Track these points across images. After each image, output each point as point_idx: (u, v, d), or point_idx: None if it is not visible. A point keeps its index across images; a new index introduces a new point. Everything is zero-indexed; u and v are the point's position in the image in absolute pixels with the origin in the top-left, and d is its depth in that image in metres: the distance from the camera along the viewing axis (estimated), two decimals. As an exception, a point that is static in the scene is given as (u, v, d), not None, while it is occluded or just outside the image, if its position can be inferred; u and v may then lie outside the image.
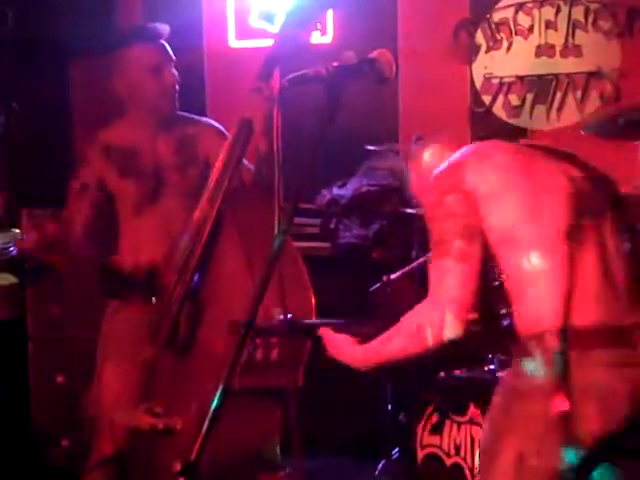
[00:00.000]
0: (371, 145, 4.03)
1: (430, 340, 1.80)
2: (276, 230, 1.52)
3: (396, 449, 3.37)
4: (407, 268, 3.36)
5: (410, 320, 1.86)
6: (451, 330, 1.79)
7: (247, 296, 1.93)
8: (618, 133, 2.84)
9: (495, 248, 1.83)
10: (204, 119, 2.79)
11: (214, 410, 1.30)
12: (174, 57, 2.68)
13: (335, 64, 1.64)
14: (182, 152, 2.65)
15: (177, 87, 2.65)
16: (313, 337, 2.04)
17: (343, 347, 1.99)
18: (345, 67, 1.64)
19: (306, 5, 2.00)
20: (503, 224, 1.82)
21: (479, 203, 1.82)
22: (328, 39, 4.41)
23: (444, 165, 1.92)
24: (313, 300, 2.13)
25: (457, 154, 1.94)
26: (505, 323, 2.02)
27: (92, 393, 2.68)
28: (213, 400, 1.32)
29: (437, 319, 1.79)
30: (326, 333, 2.02)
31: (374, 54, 1.68)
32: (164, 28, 2.65)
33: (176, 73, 2.65)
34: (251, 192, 2.35)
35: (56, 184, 2.95)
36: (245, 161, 2.41)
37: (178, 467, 1.33)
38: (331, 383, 3.59)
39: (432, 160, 2.04)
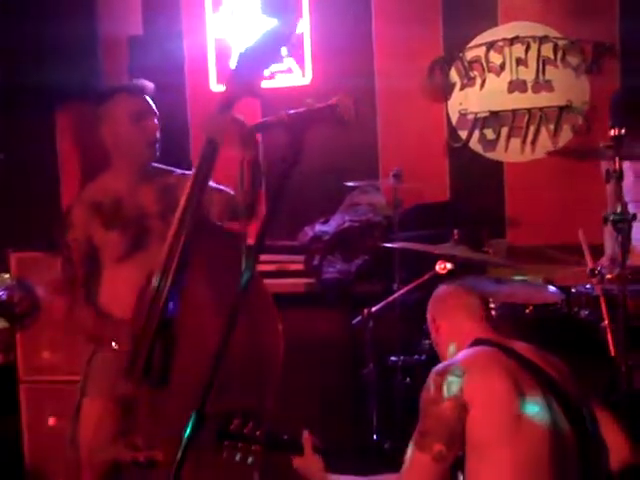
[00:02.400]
0: (351, 182, 4.13)
1: None
2: (243, 267, 1.60)
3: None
4: (387, 300, 3.44)
5: None
6: None
7: (216, 326, 2.02)
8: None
9: (468, 455, 2.01)
10: (186, 172, 2.90)
11: (187, 438, 1.37)
12: (156, 106, 2.81)
13: (296, 110, 1.73)
14: (163, 200, 2.74)
15: (157, 136, 2.75)
16: (291, 452, 2.16)
17: (307, 465, 2.15)
18: (306, 112, 1.73)
19: (258, 48, 2.08)
20: (484, 438, 1.98)
21: (470, 413, 1.99)
22: (307, 80, 4.54)
23: (448, 364, 2.08)
24: (281, 338, 2.22)
25: (462, 356, 2.10)
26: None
27: (71, 431, 2.71)
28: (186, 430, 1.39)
29: None
30: (308, 443, 2.16)
31: (334, 100, 1.77)
32: (148, 84, 2.78)
33: (157, 123, 2.76)
34: (219, 226, 2.43)
35: (43, 228, 3.02)
36: (212, 183, 2.52)
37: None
38: (318, 412, 3.67)
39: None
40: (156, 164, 2.84)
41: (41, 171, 4.60)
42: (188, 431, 1.38)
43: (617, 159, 2.63)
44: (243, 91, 2.21)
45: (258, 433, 2.09)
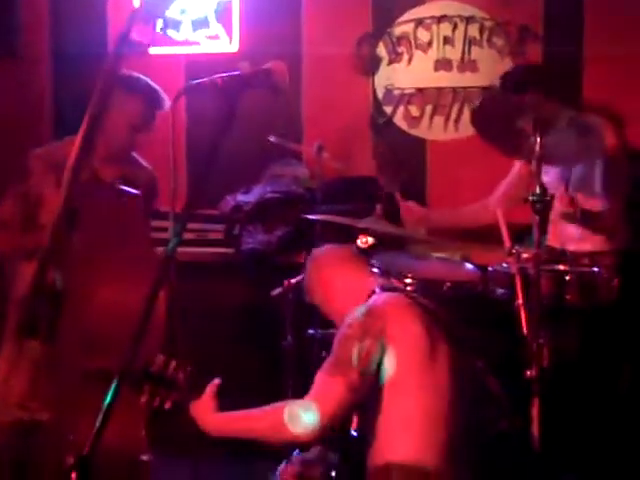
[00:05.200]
0: (274, 148, 4.08)
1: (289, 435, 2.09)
2: (171, 234, 1.57)
3: (296, 450, 3.44)
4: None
5: (278, 411, 2.14)
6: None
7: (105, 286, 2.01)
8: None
9: (383, 394, 2.13)
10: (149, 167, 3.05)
11: (107, 405, 1.34)
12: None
13: (230, 74, 1.70)
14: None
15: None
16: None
17: (199, 406, 2.17)
18: (240, 77, 1.70)
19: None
20: (400, 378, 2.12)
21: (387, 353, 2.12)
22: (234, 48, 4.48)
23: (369, 307, 2.20)
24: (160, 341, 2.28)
25: (379, 300, 2.24)
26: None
27: None
28: (106, 394, 1.36)
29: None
30: (211, 388, 2.21)
31: (268, 65, 1.74)
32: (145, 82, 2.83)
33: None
34: (113, 187, 2.46)
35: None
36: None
37: (71, 461, 1.36)
38: (235, 382, 3.65)
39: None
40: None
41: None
42: (107, 400, 1.35)
43: (538, 140, 2.67)
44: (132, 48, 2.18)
45: (180, 376, 2.10)
